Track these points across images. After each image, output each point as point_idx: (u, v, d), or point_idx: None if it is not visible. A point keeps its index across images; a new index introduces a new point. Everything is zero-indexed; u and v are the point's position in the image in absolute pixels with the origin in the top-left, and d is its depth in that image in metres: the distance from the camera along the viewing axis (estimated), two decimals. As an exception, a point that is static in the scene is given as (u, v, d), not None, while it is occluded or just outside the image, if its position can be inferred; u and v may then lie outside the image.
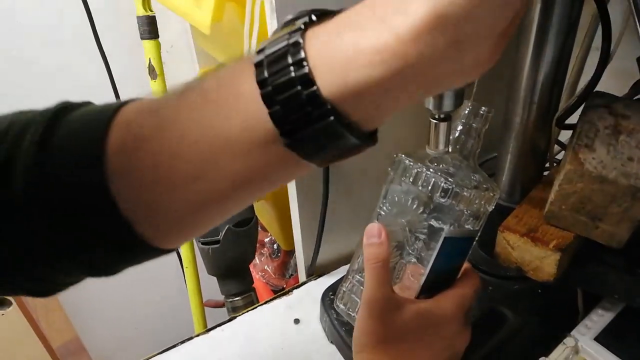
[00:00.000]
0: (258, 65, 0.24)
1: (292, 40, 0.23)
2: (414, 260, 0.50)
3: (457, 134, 0.51)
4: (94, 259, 0.29)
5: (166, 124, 0.26)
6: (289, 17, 0.25)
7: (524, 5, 0.24)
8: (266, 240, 1.08)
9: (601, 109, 0.57)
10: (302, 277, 0.83)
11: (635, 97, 0.62)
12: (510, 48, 0.60)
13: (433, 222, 0.48)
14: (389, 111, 0.25)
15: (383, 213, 0.52)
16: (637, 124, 0.55)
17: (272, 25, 0.59)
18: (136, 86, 1.01)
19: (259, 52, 0.24)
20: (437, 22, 0.21)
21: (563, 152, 0.68)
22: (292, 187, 0.72)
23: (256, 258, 1.10)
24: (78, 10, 0.88)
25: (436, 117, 0.41)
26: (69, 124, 0.28)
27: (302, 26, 0.24)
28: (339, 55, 0.22)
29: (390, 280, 0.47)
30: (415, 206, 0.49)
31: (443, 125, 0.42)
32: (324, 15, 0.25)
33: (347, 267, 0.54)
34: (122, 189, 0.26)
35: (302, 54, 0.23)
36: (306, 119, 0.23)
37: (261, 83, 0.23)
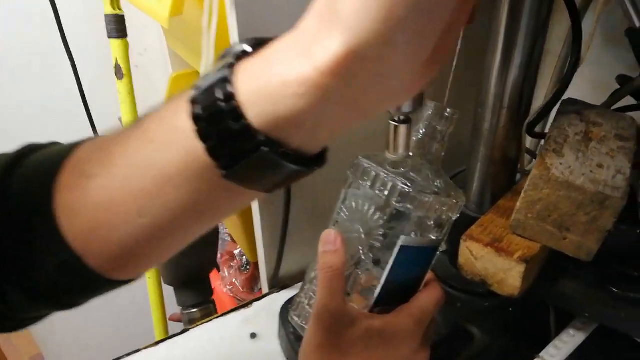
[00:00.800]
0: (193, 102, 0.25)
1: (221, 76, 0.24)
2: (370, 270, 0.47)
3: (419, 137, 0.48)
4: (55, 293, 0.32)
5: (111, 162, 0.28)
6: (226, 50, 0.26)
7: (452, 33, 0.25)
8: (236, 252, 1.04)
9: (573, 115, 0.55)
10: (265, 289, 0.79)
11: (613, 107, 0.60)
12: (479, 52, 0.59)
13: (389, 230, 0.45)
14: (326, 136, 0.26)
15: (340, 219, 0.49)
16: (609, 131, 0.52)
17: (231, 19, 0.57)
18: (104, 87, 0.97)
19: (195, 87, 0.25)
20: (354, 58, 0.22)
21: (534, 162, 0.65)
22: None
23: (225, 271, 1.05)
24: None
25: (395, 119, 0.39)
26: (27, 165, 0.31)
27: (233, 60, 0.25)
28: (268, 88, 0.23)
29: (343, 291, 0.43)
30: (372, 212, 0.46)
31: (403, 128, 0.40)
32: (259, 44, 0.26)
33: (312, 278, 0.51)
34: (71, 224, 0.28)
35: (230, 89, 0.24)
36: (241, 151, 0.24)
37: (196, 119, 0.24)
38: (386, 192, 0.43)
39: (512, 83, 0.54)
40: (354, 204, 0.48)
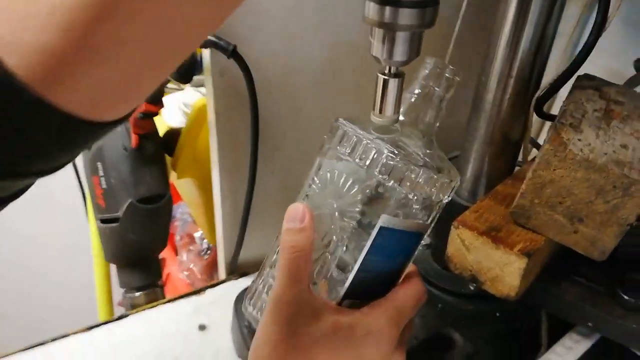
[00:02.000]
0: None
1: None
2: (341, 254, 0.38)
3: (412, 99, 0.40)
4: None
5: None
6: None
7: None
8: (196, 235, 0.95)
9: (590, 90, 0.47)
10: (222, 275, 0.70)
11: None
12: (488, 9, 0.50)
13: (368, 208, 0.37)
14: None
15: (311, 192, 0.40)
16: (632, 111, 0.45)
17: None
18: None
19: None
20: None
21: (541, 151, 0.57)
22: (215, 165, 0.59)
23: (183, 255, 0.96)
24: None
25: (385, 71, 0.33)
26: None
27: None
28: None
29: (308, 278, 0.36)
30: (349, 185, 0.38)
31: (393, 83, 0.34)
32: None
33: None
34: None
35: None
36: None
37: None
38: (368, 162, 0.36)
39: (526, 45, 0.45)
40: (328, 174, 0.39)
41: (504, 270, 0.41)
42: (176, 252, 0.99)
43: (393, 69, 0.34)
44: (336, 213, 0.39)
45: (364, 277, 0.37)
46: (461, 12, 0.48)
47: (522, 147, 0.54)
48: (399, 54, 0.33)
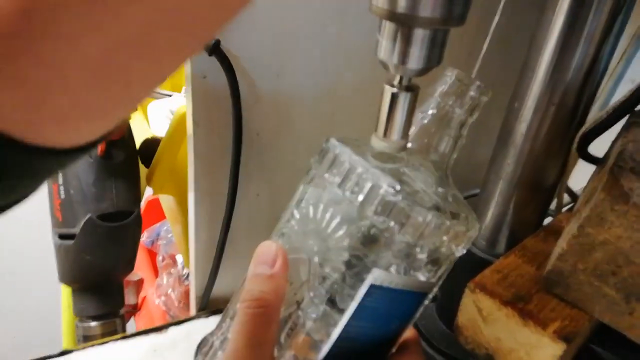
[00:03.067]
0: None
1: None
2: (319, 314, 0.30)
3: (425, 121, 0.31)
4: None
5: None
6: None
7: None
8: (179, 257, 0.86)
9: (653, 129, 0.37)
10: (192, 310, 0.60)
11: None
12: (529, 15, 0.41)
13: (357, 256, 0.28)
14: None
15: (288, 230, 0.32)
16: None
17: None
18: None
19: None
20: None
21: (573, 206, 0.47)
22: (191, 182, 0.50)
23: (163, 278, 0.86)
24: None
25: (395, 82, 0.26)
26: None
27: None
28: None
29: (272, 342, 0.28)
30: (335, 224, 0.30)
31: (404, 98, 0.26)
32: None
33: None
34: None
35: None
36: None
37: None
38: (361, 196, 0.27)
39: (575, 67, 0.36)
40: (311, 208, 0.31)
41: (531, 354, 0.31)
42: (157, 274, 0.90)
43: (405, 80, 0.26)
44: (316, 258, 0.30)
45: (344, 347, 0.29)
46: (495, 20, 0.39)
47: (557, 194, 0.44)
48: (415, 58, 0.24)
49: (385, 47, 0.25)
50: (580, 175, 0.47)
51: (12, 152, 0.15)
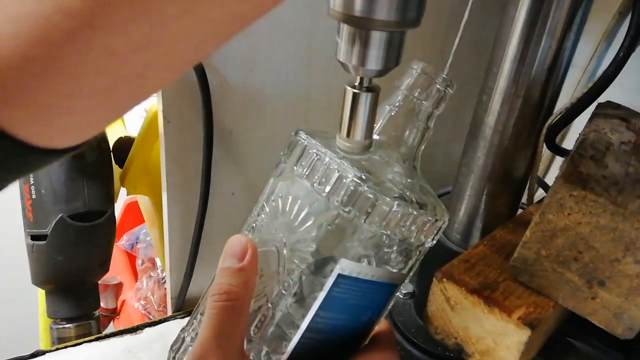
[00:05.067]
0: None
1: None
2: (287, 307, 0.30)
3: (392, 113, 0.32)
4: None
5: None
6: None
7: None
8: (158, 260, 0.85)
9: (616, 120, 0.38)
10: (168, 310, 0.60)
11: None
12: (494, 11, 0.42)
13: (325, 248, 0.28)
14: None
15: (259, 223, 0.32)
16: (669, 148, 0.35)
17: None
18: None
19: None
20: None
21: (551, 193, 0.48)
22: (164, 181, 0.50)
23: (143, 281, 0.85)
24: None
25: (355, 84, 0.26)
26: None
27: None
28: None
29: (241, 335, 0.28)
30: (303, 215, 0.30)
31: (365, 99, 0.27)
32: None
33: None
34: None
35: None
36: None
37: None
38: (327, 187, 0.28)
39: (539, 60, 0.37)
40: (280, 201, 0.31)
41: (498, 342, 0.31)
42: (137, 278, 0.89)
43: (365, 81, 0.26)
44: (285, 251, 0.30)
45: (313, 339, 0.29)
46: (464, 19, 0.40)
47: (528, 186, 0.45)
48: (374, 60, 0.25)
49: (344, 50, 0.25)
50: (557, 169, 0.47)
51: (13, 149, 0.17)
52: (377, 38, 0.24)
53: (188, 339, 0.34)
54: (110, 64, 0.16)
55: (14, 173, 0.19)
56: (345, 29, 0.25)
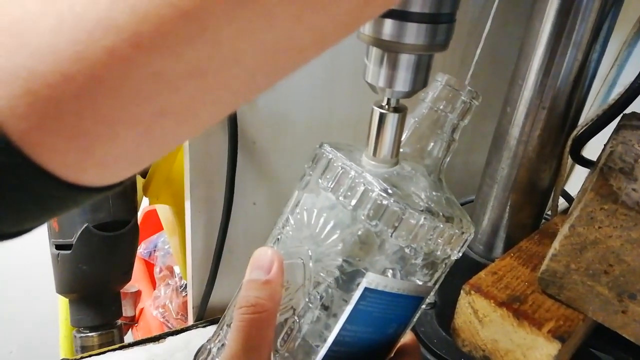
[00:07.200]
0: None
1: None
2: (315, 319, 0.30)
3: (417, 126, 0.32)
4: None
5: None
6: None
7: None
8: (177, 268, 0.86)
9: (643, 131, 0.38)
10: (190, 319, 0.60)
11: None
12: (520, 22, 0.42)
13: (351, 261, 0.28)
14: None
15: (284, 236, 0.32)
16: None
17: None
18: None
19: None
20: None
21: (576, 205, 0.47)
22: (187, 191, 0.50)
23: (161, 289, 0.86)
24: None
25: (383, 104, 0.27)
26: None
27: None
28: None
29: (268, 347, 0.28)
30: (328, 228, 0.30)
31: (392, 119, 0.27)
32: None
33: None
34: None
35: None
36: None
37: None
38: (353, 201, 0.28)
39: (564, 71, 0.37)
40: (305, 214, 0.31)
41: (527, 355, 0.31)
42: (155, 286, 0.89)
43: (393, 102, 0.27)
44: (311, 263, 0.30)
45: (340, 352, 0.29)
46: (485, 30, 0.40)
47: (552, 197, 0.45)
48: (401, 82, 0.25)
49: (373, 71, 0.26)
50: (579, 180, 0.47)
51: (51, 188, 0.16)
52: (406, 61, 0.25)
53: (214, 349, 0.35)
54: (157, 90, 0.15)
55: (48, 211, 0.18)
56: (374, 51, 0.25)
